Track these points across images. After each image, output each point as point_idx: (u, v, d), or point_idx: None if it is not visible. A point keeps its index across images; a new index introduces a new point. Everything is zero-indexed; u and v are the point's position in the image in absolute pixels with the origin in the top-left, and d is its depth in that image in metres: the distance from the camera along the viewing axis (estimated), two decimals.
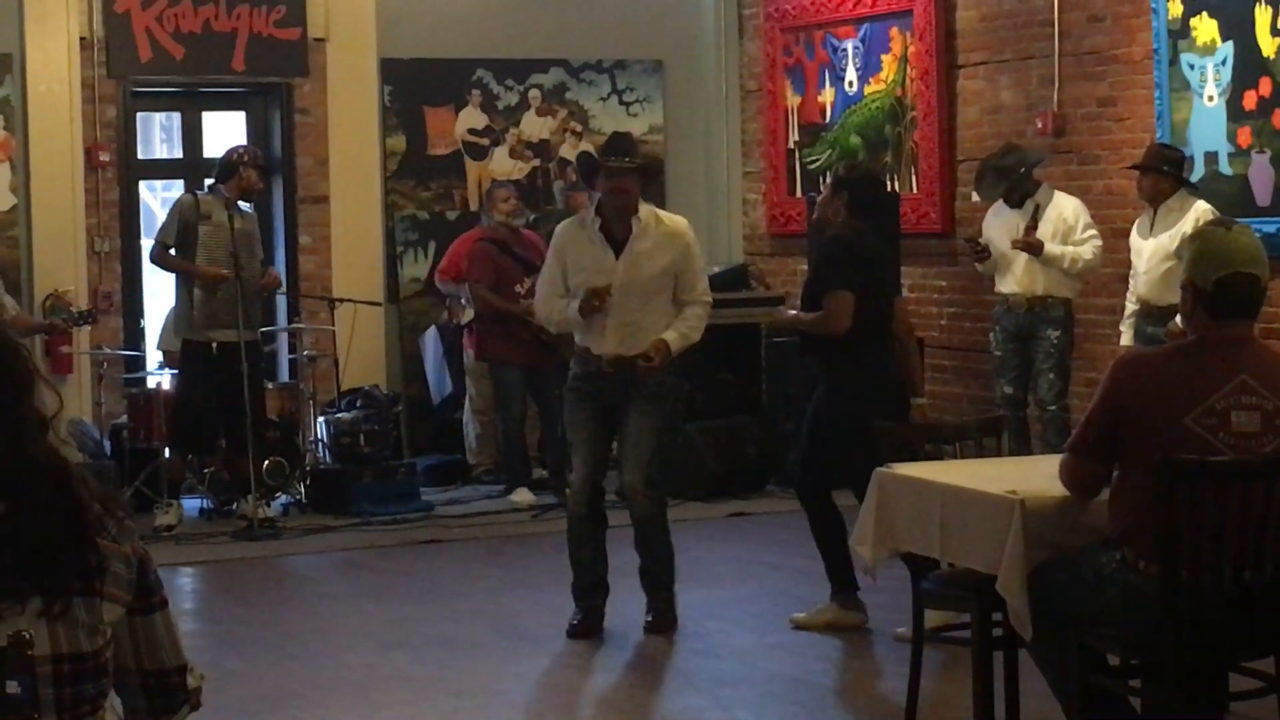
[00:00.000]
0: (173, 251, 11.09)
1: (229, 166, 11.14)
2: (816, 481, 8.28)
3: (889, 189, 8.64)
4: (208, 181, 11.37)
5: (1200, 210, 9.68)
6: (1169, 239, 9.66)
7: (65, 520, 2.94)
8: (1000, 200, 10.72)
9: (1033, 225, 10.43)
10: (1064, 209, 10.52)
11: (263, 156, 11.45)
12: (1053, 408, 10.37)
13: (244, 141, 12.77)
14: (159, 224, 11.85)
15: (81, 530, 2.96)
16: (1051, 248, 10.35)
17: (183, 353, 11.23)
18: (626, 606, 8.57)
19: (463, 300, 12.46)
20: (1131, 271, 10.14)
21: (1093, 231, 10.45)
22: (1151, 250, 9.87)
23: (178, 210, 11.22)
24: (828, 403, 8.24)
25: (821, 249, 8.54)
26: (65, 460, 3.01)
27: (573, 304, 8.20)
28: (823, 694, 7.36)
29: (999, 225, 10.68)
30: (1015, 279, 10.54)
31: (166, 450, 11.42)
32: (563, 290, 8.30)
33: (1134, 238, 10.11)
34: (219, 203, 11.08)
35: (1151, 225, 9.95)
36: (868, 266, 8.28)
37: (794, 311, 8.39)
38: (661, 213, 8.52)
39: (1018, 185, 10.57)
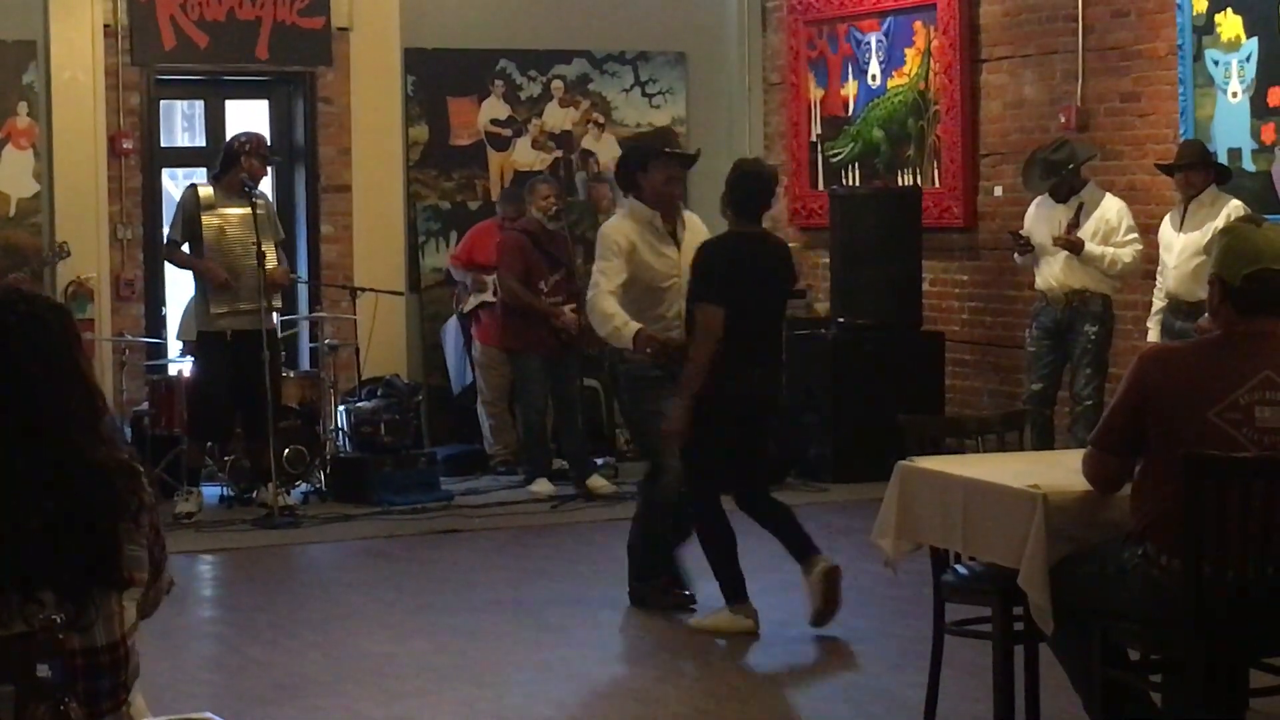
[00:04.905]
0: (185, 247, 11.13)
1: (231, 155, 11.15)
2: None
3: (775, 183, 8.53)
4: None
5: (1232, 207, 9.67)
6: (1200, 235, 9.64)
7: (97, 522, 2.94)
8: (1045, 194, 10.65)
9: (1075, 223, 10.38)
10: (1108, 210, 10.45)
11: (265, 144, 11.41)
12: (1088, 403, 10.33)
13: (268, 130, 12.80)
14: None
15: (110, 528, 2.95)
16: (1092, 247, 10.30)
17: (198, 343, 11.26)
18: None
19: (469, 287, 12.48)
20: (1160, 267, 10.12)
21: (1135, 235, 10.37)
22: (1182, 245, 9.86)
23: (180, 205, 11.26)
24: None
25: (694, 258, 8.19)
26: (112, 456, 3.02)
27: (633, 326, 8.13)
28: (841, 687, 7.35)
29: (1042, 219, 10.61)
30: (1054, 275, 10.50)
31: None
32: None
33: (1165, 232, 10.08)
34: (223, 191, 11.09)
35: (1182, 220, 9.93)
36: (739, 276, 7.96)
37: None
38: None
39: (1066, 180, 10.51)
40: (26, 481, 2.92)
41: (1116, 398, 5.34)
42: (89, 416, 3.02)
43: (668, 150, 8.49)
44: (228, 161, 11.13)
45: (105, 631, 2.93)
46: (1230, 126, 10.47)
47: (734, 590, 8.13)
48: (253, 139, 11.29)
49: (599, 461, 12.22)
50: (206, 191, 11.15)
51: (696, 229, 8.50)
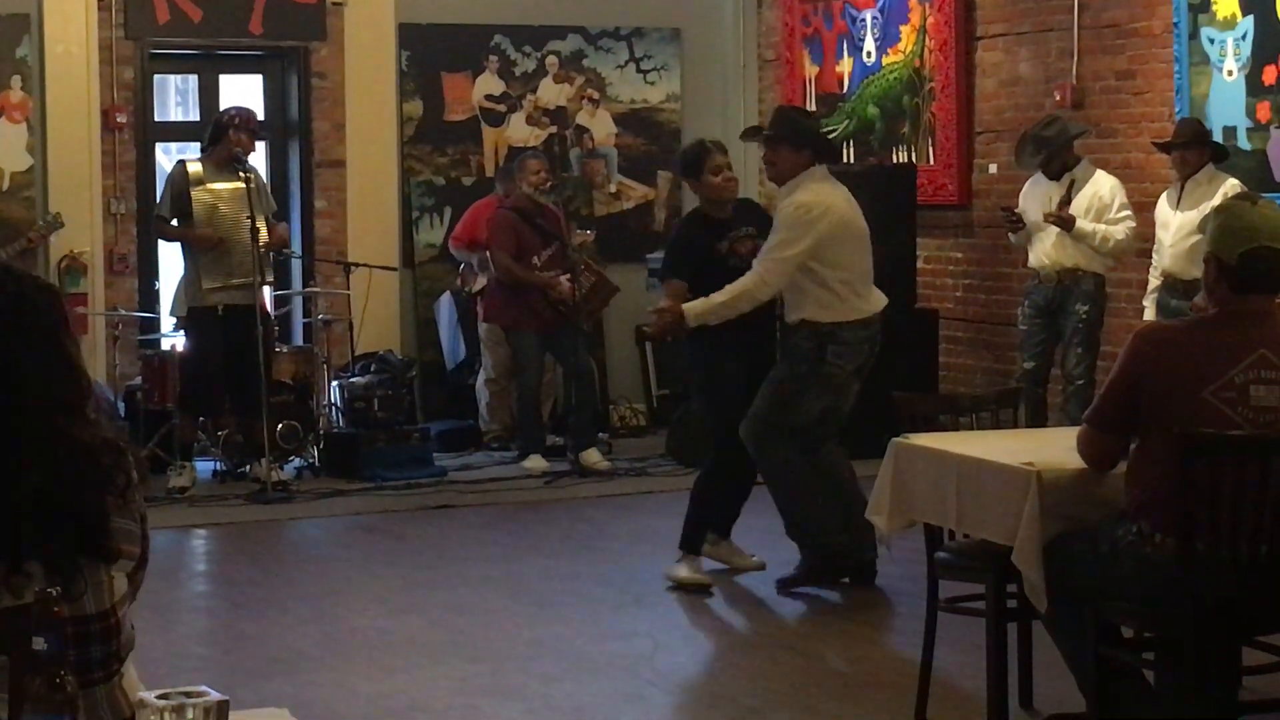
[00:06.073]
0: (175, 224, 11.11)
1: (219, 129, 11.12)
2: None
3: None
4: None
5: (1230, 186, 9.65)
6: (1197, 214, 9.61)
7: (83, 495, 2.93)
8: (1039, 172, 10.63)
9: (1067, 199, 10.36)
10: (1101, 186, 10.41)
11: (254, 118, 11.38)
12: (1080, 382, 10.30)
13: (262, 105, 12.77)
14: None
15: (98, 503, 2.95)
16: (1083, 224, 10.26)
17: (190, 318, 11.24)
18: (643, 571, 8.58)
19: (475, 267, 12.45)
20: (1155, 246, 10.09)
21: (1128, 212, 10.33)
22: (1179, 224, 9.84)
23: (169, 182, 11.24)
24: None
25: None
26: (96, 434, 3.01)
27: None
28: (835, 663, 7.36)
29: (1034, 196, 10.58)
30: (1045, 252, 10.48)
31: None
32: None
33: (1162, 209, 10.05)
34: (213, 166, 11.06)
35: (1179, 199, 9.92)
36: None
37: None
38: (814, 185, 8.64)
39: (1057, 156, 10.47)
40: (11, 459, 2.91)
41: (1112, 376, 5.35)
42: (74, 399, 3.01)
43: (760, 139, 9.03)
44: (216, 135, 11.10)
45: (95, 600, 2.92)
46: (1225, 105, 10.45)
47: (695, 545, 8.57)
48: (241, 113, 11.26)
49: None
50: (195, 167, 11.12)
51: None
